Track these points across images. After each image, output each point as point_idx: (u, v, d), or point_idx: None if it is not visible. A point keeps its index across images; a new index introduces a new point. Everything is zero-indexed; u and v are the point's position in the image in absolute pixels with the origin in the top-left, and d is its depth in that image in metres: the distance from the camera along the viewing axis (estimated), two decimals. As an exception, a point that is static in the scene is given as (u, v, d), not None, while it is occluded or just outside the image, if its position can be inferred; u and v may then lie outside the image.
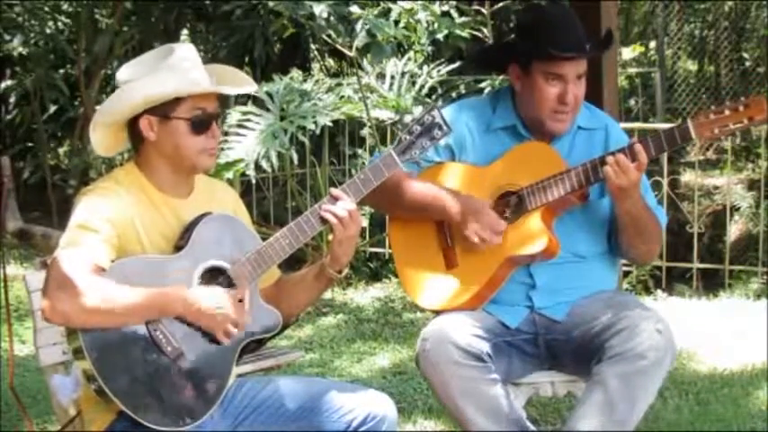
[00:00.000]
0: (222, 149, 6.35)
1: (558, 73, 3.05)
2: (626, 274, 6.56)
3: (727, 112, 2.98)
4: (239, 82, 2.80)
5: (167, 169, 2.71)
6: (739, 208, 8.07)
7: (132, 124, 2.69)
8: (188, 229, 2.68)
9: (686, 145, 3.15)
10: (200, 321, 2.60)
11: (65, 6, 10.42)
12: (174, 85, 2.63)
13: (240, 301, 2.64)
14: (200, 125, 2.67)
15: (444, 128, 2.82)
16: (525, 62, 3.09)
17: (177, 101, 2.65)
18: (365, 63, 7.16)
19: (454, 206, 3.06)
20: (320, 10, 6.63)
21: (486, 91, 7.26)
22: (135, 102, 2.65)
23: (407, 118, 6.73)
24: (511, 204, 3.08)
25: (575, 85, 3.07)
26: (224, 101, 8.83)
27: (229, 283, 2.68)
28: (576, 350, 3.05)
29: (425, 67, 7.35)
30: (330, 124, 6.91)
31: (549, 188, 3.04)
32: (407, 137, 2.81)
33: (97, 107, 2.80)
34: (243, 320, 2.64)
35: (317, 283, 2.87)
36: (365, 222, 6.83)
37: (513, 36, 3.27)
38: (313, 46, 10.25)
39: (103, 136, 2.73)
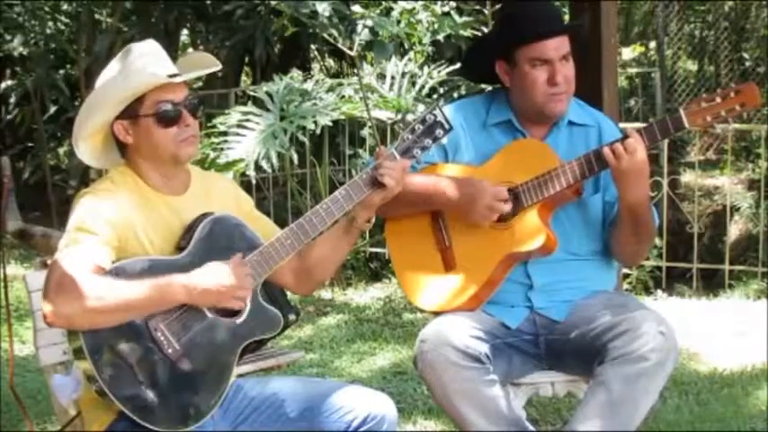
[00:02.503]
0: (222, 149, 6.35)
1: (543, 56, 3.06)
2: (626, 275, 6.56)
3: (718, 100, 2.98)
4: (203, 64, 2.79)
5: (154, 168, 2.71)
6: (739, 208, 8.08)
7: (112, 131, 2.69)
8: (190, 229, 2.67)
9: (679, 133, 3.14)
10: (207, 301, 2.59)
11: (65, 6, 10.43)
12: (129, 84, 2.62)
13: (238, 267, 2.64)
14: (167, 117, 2.65)
15: (446, 126, 2.82)
16: (509, 54, 3.11)
17: (141, 99, 2.64)
18: (365, 63, 7.16)
19: (455, 191, 3.05)
20: (322, 8, 6.63)
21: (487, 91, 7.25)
22: (101, 109, 2.65)
23: (409, 118, 6.73)
24: (507, 201, 3.08)
25: (562, 66, 3.08)
26: (224, 100, 8.86)
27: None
28: (576, 350, 3.05)
29: (426, 68, 7.35)
30: (330, 124, 6.91)
31: (545, 184, 3.04)
32: (409, 136, 2.81)
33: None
34: (248, 283, 2.63)
35: (348, 237, 2.86)
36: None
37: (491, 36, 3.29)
38: (313, 46, 10.26)
39: (88, 149, 2.72)
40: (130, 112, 2.65)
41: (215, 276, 2.58)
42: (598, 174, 3.06)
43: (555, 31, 3.09)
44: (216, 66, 2.78)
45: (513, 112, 3.18)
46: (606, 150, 2.97)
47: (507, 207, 3.03)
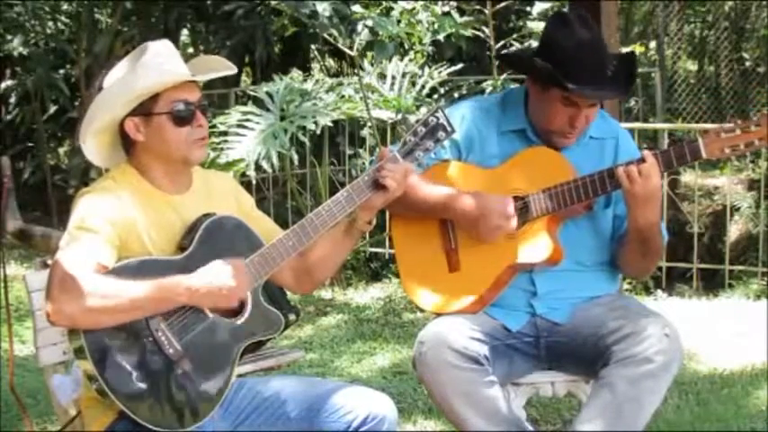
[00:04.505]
0: (222, 149, 6.35)
1: (575, 100, 3.01)
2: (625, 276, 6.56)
3: (738, 132, 2.92)
4: (218, 67, 2.79)
5: (161, 167, 2.71)
6: (739, 208, 8.07)
7: (121, 129, 2.69)
8: (191, 230, 2.67)
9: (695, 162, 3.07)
10: (208, 302, 2.59)
11: (65, 6, 10.42)
12: (147, 81, 2.62)
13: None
14: (182, 116, 2.66)
15: (448, 129, 2.81)
16: (544, 79, 3.05)
17: (155, 97, 2.64)
18: (366, 63, 7.17)
19: (465, 206, 3.02)
20: (323, 8, 6.63)
21: (488, 91, 7.26)
22: (113, 106, 2.65)
23: (409, 118, 6.73)
24: (516, 209, 3.06)
25: (588, 110, 3.04)
26: (224, 100, 8.86)
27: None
28: (578, 353, 3.04)
29: (426, 68, 7.35)
30: (330, 124, 6.91)
31: (556, 197, 3.02)
32: (412, 138, 2.80)
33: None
34: (246, 282, 2.63)
35: (348, 238, 2.86)
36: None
37: (538, 46, 3.17)
38: (313, 46, 10.26)
39: (95, 146, 2.72)
40: (144, 110, 2.64)
41: (216, 277, 2.58)
42: (610, 192, 3.04)
43: (598, 96, 3.03)
44: (231, 69, 2.78)
45: (529, 122, 3.14)
46: (620, 172, 2.94)
47: (514, 225, 3.00)
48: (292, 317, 3.79)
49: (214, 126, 6.47)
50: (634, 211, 2.98)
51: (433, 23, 7.01)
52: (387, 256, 7.29)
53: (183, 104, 2.66)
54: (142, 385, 2.53)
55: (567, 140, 3.10)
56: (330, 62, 11.01)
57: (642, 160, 2.95)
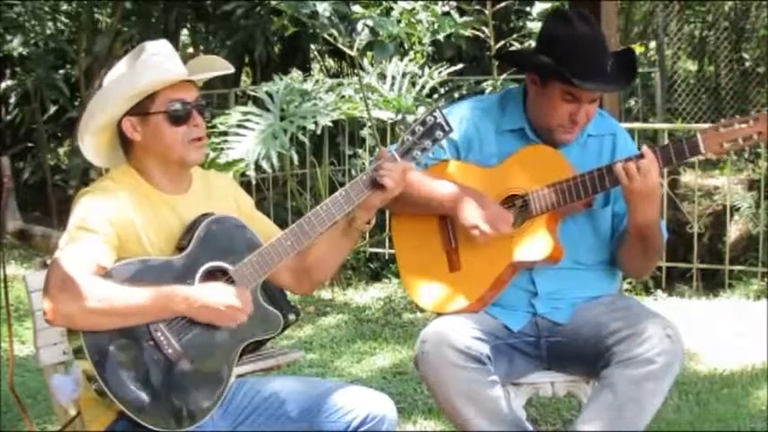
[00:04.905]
0: (222, 149, 6.35)
1: (576, 96, 3.02)
2: (626, 275, 6.56)
3: (736, 126, 2.93)
4: (216, 66, 2.79)
5: (159, 167, 2.71)
6: (739, 208, 8.08)
7: (119, 128, 2.69)
8: (190, 230, 2.67)
9: (694, 158, 3.06)
10: (205, 317, 2.59)
11: (65, 6, 10.42)
12: (144, 79, 2.63)
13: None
14: (178, 116, 2.66)
15: (446, 128, 2.81)
16: (544, 75, 3.06)
17: (152, 96, 2.64)
18: (366, 63, 7.17)
19: (457, 196, 3.03)
20: (323, 8, 6.63)
21: (488, 91, 7.26)
22: (111, 104, 2.65)
23: (409, 118, 6.73)
24: (516, 208, 3.06)
25: (589, 106, 3.05)
26: (224, 100, 8.86)
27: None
28: (578, 353, 3.04)
29: (426, 68, 7.35)
30: (330, 124, 6.91)
31: (556, 194, 3.01)
32: (409, 138, 2.80)
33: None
34: (247, 306, 2.63)
35: (347, 238, 2.86)
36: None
37: (537, 43, 3.18)
38: (313, 46, 10.26)
39: (94, 145, 2.72)
40: (141, 109, 2.65)
41: (218, 295, 2.59)
42: (609, 189, 3.04)
43: (598, 88, 3.03)
44: (228, 69, 2.78)
45: (528, 121, 3.15)
46: (619, 168, 2.94)
47: (507, 228, 3.00)
48: (292, 317, 3.78)
49: (214, 126, 6.47)
50: (633, 208, 2.98)
51: (433, 23, 7.00)
52: (387, 256, 7.29)
53: (180, 104, 2.66)
54: (141, 385, 2.53)
55: (566, 136, 3.09)
56: (330, 62, 11.01)
57: (641, 156, 2.94)
